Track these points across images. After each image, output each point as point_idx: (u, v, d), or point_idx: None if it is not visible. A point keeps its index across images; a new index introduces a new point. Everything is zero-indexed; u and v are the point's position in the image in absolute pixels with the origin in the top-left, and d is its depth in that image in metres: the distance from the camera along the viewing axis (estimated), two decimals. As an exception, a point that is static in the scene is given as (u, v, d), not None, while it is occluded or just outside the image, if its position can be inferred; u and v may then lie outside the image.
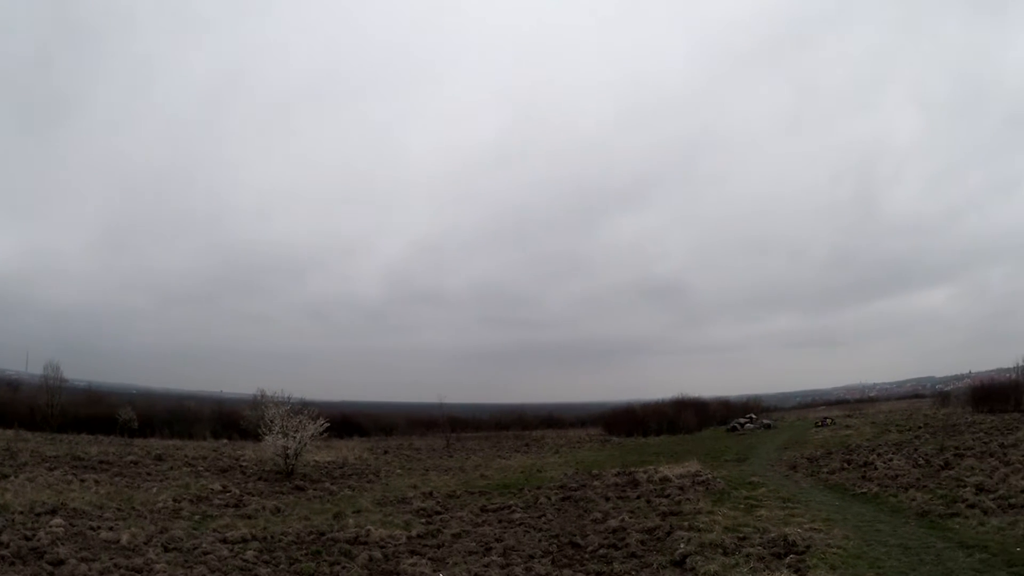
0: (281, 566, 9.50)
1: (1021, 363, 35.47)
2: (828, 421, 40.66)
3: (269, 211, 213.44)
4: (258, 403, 27.11)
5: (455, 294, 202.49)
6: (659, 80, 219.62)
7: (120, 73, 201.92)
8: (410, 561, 9.84)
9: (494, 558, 10.05)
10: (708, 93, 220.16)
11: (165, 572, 8.56)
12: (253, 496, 16.07)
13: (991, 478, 14.45)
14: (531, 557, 10.18)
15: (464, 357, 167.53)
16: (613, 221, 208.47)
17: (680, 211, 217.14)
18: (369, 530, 11.81)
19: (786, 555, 9.18)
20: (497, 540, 11.41)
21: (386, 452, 31.59)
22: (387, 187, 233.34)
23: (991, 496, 12.80)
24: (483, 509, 14.65)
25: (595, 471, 20.58)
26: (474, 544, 11.19)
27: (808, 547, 9.46)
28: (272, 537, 11.26)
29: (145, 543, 10.13)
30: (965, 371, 79.65)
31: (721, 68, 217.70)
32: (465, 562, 9.89)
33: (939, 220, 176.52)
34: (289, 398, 25.20)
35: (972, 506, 12.21)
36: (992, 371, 53.88)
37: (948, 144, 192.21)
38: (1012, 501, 12.14)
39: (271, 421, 21.23)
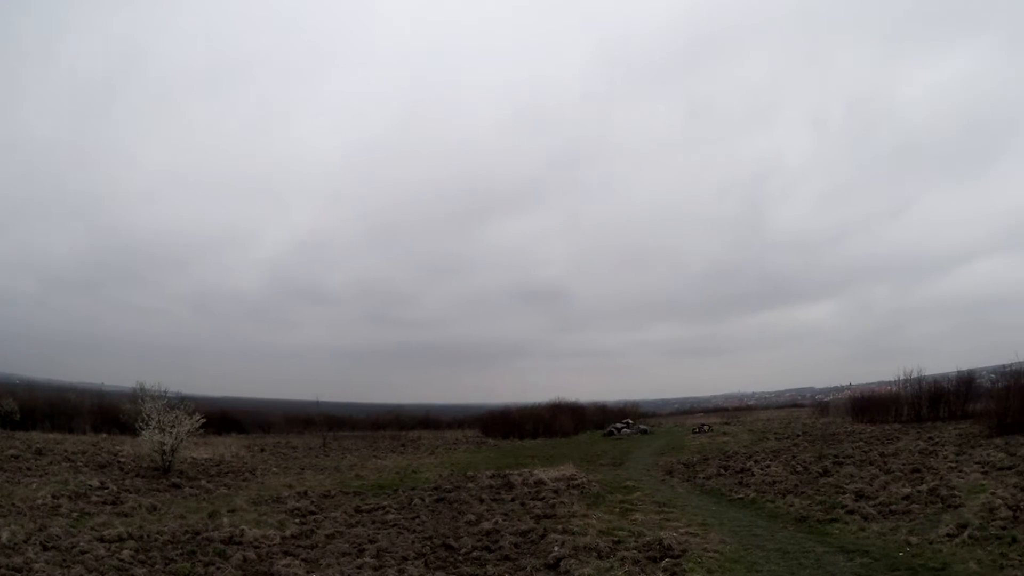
0: (157, 566, 9.64)
1: (903, 376, 36.19)
2: (706, 428, 41.53)
3: (158, 195, 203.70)
4: (137, 396, 26.59)
5: (336, 291, 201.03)
6: (556, 86, 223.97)
7: (12, 47, 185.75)
8: (284, 562, 9.94)
9: (367, 560, 10.24)
10: (603, 102, 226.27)
11: (44, 572, 8.71)
12: (130, 493, 16.03)
13: (871, 485, 14.81)
14: (404, 559, 10.38)
15: (343, 355, 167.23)
16: (498, 223, 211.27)
17: (566, 217, 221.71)
18: (243, 530, 11.95)
19: (662, 559, 9.37)
20: (370, 541, 11.59)
21: (263, 450, 31.45)
22: (275, 177, 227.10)
23: (871, 503, 13.14)
24: (357, 510, 14.90)
25: (470, 473, 21.06)
26: (347, 545, 11.33)
27: (684, 551, 9.68)
28: (148, 536, 11.31)
29: (24, 541, 10.17)
30: (846, 383, 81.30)
31: (619, 79, 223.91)
32: (339, 563, 10.05)
33: (826, 238, 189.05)
34: (166, 392, 25.01)
35: (852, 512, 12.59)
36: (873, 384, 53.97)
37: (839, 168, 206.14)
38: (893, 508, 12.55)
39: (148, 416, 21.05)
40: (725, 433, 36.72)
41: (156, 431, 20.60)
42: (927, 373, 35.23)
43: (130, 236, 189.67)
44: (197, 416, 22.11)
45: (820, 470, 17.93)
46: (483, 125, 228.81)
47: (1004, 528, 10.31)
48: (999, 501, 11.80)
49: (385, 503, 15.71)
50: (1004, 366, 29.34)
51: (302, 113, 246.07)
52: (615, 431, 44.45)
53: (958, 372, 33.63)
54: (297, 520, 13.63)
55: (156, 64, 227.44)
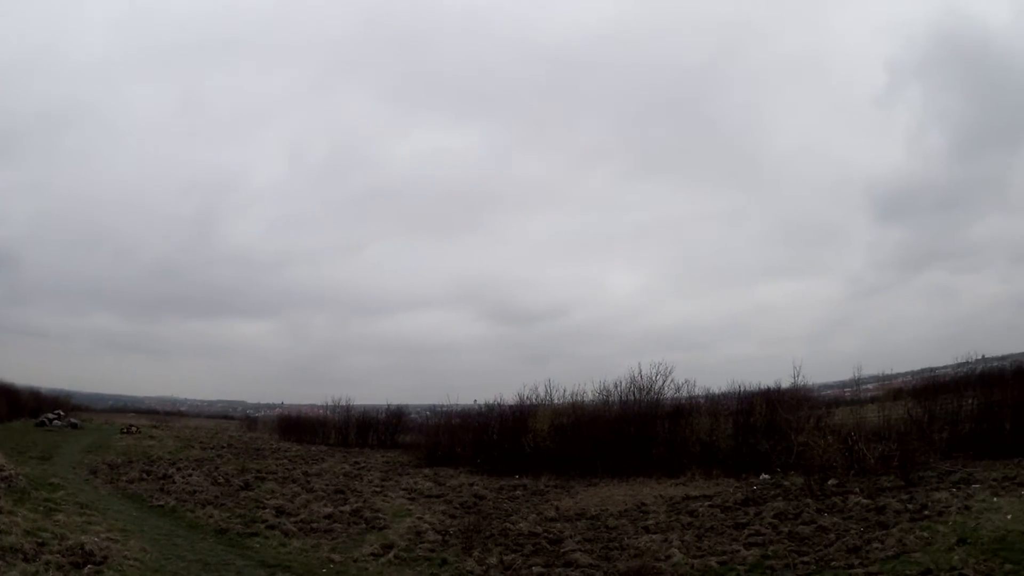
0: None
1: (332, 402, 38.38)
2: (134, 429, 39.79)
3: None
4: None
5: None
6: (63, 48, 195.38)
7: None
8: None
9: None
10: (101, 72, 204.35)
11: None
12: None
13: (292, 503, 14.98)
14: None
15: None
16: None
17: (34, 177, 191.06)
18: None
19: (84, 565, 8.95)
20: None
21: None
22: None
23: (293, 519, 13.22)
24: None
25: None
26: None
27: (106, 558, 9.26)
28: None
29: None
30: (278, 401, 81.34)
31: (126, 53, 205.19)
32: None
33: (273, 260, 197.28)
34: None
35: (273, 527, 12.55)
36: (304, 405, 55.09)
37: (303, 200, 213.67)
38: (314, 526, 12.76)
39: None
40: (152, 437, 35.79)
41: None
42: (357, 402, 37.63)
43: None
44: None
45: (242, 483, 17.86)
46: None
47: (432, 551, 10.93)
48: (426, 525, 12.56)
49: None
50: (436, 406, 32.66)
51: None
52: (47, 421, 41.79)
53: (389, 405, 36.21)
54: None
55: None
